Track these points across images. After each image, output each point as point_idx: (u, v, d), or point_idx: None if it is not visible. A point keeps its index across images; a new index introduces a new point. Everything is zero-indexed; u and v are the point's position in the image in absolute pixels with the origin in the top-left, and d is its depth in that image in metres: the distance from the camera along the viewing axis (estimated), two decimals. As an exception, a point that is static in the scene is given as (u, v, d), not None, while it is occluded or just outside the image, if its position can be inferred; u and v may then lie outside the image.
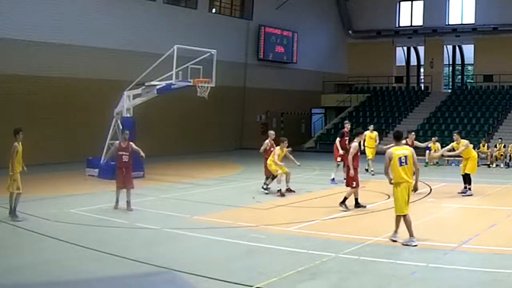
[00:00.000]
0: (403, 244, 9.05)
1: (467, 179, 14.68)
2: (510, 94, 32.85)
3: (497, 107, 31.69)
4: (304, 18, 35.93)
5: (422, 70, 40.48)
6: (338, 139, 17.15)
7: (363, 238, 9.56)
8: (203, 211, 12.46)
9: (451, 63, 40.12)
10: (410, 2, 38.22)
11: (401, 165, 9.07)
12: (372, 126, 21.49)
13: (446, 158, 23.11)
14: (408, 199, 9.17)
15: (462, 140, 14.85)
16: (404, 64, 40.42)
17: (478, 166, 22.34)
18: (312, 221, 11.16)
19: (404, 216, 9.12)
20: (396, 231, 9.30)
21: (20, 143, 11.31)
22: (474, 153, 15.01)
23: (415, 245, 8.94)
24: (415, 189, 9.42)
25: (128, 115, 19.05)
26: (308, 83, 36.77)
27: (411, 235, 9.05)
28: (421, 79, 40.47)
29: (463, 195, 14.46)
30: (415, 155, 9.36)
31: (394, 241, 9.24)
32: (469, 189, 14.53)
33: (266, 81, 33.79)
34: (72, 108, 23.35)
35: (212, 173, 20.65)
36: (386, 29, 38.12)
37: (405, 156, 9.12)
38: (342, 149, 16.66)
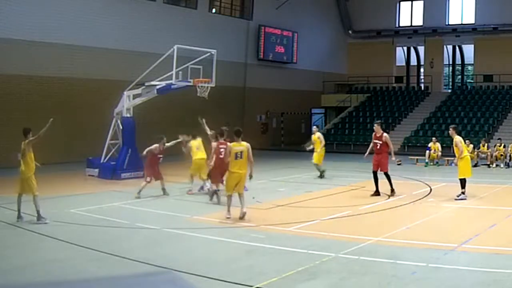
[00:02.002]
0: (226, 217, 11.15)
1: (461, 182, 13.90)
2: (510, 94, 32.83)
3: (497, 107, 31.67)
4: (304, 18, 35.91)
5: (422, 70, 40.45)
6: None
7: (363, 238, 9.56)
8: (203, 211, 12.45)
9: (451, 63, 40.11)
10: (410, 2, 38.18)
11: (236, 158, 10.93)
12: (315, 127, 19.45)
13: (446, 158, 23.12)
14: (236, 185, 11.16)
15: (456, 136, 13.97)
16: (404, 64, 40.39)
17: (478, 166, 22.78)
18: (312, 221, 11.15)
19: (230, 195, 11.30)
20: (228, 210, 11.28)
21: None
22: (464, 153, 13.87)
23: (228, 217, 11.17)
24: (251, 176, 11.41)
25: (128, 115, 19.07)
26: (308, 83, 36.75)
27: (228, 210, 11.22)
28: (421, 79, 40.45)
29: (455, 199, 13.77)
30: (250, 150, 11.16)
31: (229, 217, 11.18)
32: (462, 193, 13.72)
33: (266, 81, 33.77)
34: (72, 108, 23.31)
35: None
36: (386, 29, 38.10)
37: (241, 152, 11.00)
38: None
